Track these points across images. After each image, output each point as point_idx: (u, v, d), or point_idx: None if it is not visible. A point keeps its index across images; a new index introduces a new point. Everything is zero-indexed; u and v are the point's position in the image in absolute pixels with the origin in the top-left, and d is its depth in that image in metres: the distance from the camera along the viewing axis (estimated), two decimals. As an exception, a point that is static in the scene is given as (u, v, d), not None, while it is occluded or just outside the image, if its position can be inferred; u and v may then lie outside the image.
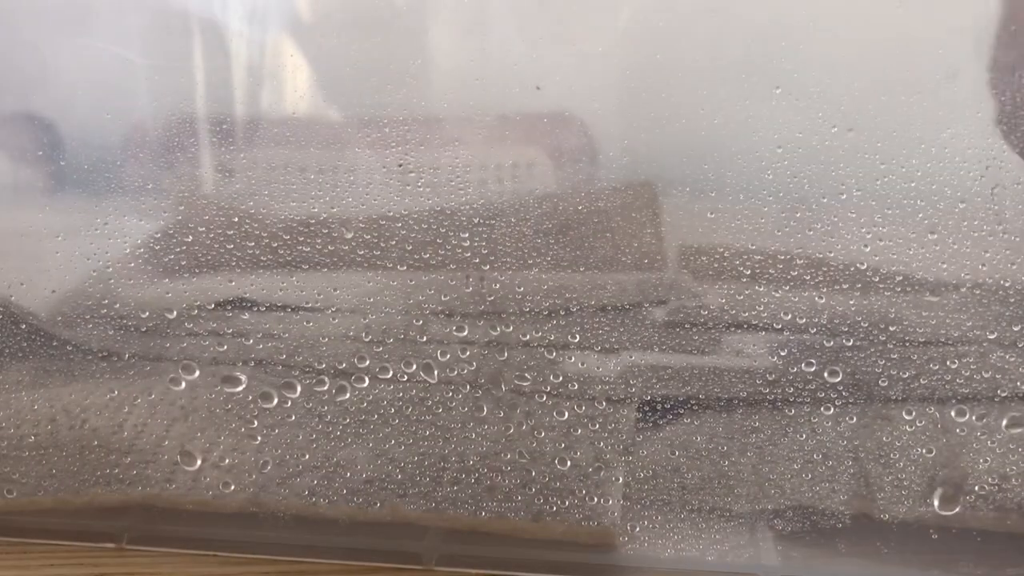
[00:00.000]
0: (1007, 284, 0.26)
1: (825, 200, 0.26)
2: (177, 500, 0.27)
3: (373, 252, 0.28)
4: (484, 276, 0.28)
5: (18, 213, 0.31)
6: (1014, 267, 0.26)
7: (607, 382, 0.28)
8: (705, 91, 0.27)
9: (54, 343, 0.30)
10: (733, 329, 0.28)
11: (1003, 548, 0.26)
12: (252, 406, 0.28)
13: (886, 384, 0.27)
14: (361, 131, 0.28)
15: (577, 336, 0.28)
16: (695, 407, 0.28)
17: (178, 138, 0.29)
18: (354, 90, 0.28)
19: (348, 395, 0.28)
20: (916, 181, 0.26)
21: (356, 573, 0.27)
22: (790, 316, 0.28)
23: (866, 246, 0.27)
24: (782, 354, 0.28)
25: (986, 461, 0.25)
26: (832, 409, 0.27)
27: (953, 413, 0.26)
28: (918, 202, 0.26)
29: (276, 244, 0.29)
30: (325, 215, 0.29)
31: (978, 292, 0.26)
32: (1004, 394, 0.26)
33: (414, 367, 0.28)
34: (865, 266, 0.27)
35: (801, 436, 0.27)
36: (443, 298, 0.28)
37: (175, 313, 0.30)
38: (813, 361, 0.27)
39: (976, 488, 0.25)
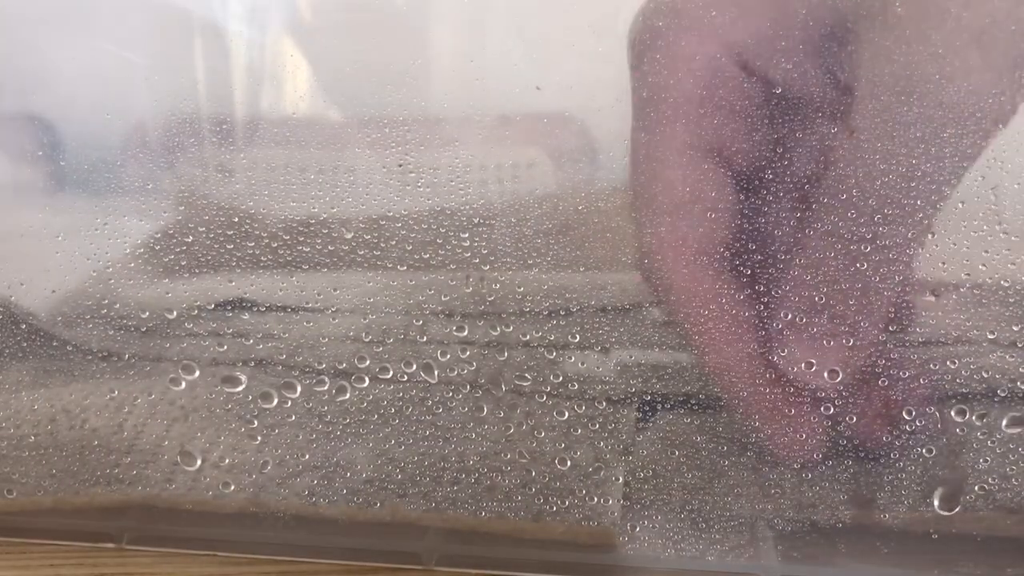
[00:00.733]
0: (1006, 284, 0.26)
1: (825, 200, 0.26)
2: (177, 500, 0.27)
3: (373, 252, 0.28)
4: (484, 276, 0.28)
5: (18, 213, 0.31)
6: (1013, 267, 0.26)
7: (607, 382, 0.28)
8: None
9: (54, 343, 0.30)
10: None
11: (1003, 548, 0.26)
12: (252, 406, 0.28)
13: (885, 384, 0.27)
14: (361, 131, 0.28)
15: (577, 336, 0.28)
16: (695, 407, 0.28)
17: (178, 138, 0.29)
18: (354, 90, 0.28)
19: (348, 395, 0.28)
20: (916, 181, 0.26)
21: (356, 573, 0.27)
22: (790, 316, 0.28)
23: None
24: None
25: (986, 461, 0.25)
26: (832, 409, 0.27)
27: (953, 413, 0.26)
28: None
29: (276, 244, 0.29)
30: (325, 215, 0.29)
31: (977, 292, 0.26)
32: (1003, 394, 0.26)
33: (414, 367, 0.28)
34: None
35: (801, 436, 0.27)
36: (443, 298, 0.28)
37: (175, 313, 0.30)
38: (813, 361, 0.27)
39: (976, 488, 0.25)
